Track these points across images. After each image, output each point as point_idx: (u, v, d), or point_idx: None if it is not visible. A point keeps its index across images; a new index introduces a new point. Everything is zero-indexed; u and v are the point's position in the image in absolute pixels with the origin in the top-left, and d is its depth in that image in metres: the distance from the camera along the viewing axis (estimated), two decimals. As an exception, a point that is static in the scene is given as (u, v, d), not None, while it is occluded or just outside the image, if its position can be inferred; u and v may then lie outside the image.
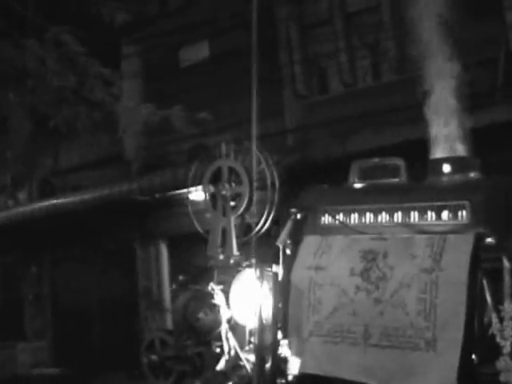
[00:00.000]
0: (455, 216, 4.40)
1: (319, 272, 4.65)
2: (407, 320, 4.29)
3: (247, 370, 5.01)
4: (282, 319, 4.77)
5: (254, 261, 5.18)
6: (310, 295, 4.66)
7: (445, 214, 4.45)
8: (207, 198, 5.59)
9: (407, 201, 4.60)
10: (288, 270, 4.82)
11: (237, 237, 5.38)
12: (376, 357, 4.38)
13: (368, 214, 4.67)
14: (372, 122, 10.30)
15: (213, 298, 5.17)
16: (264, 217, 5.30)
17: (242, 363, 5.06)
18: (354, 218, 4.72)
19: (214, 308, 5.09)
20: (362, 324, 4.45)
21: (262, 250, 5.32)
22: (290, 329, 4.75)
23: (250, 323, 5.00)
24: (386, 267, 4.42)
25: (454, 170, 4.68)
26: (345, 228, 4.72)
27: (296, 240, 4.87)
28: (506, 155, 7.86)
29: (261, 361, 4.77)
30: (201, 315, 5.06)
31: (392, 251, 4.44)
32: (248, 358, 5.02)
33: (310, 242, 4.80)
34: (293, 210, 4.86)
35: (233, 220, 5.40)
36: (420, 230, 4.49)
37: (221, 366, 5.14)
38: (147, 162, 12.25)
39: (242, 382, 5.04)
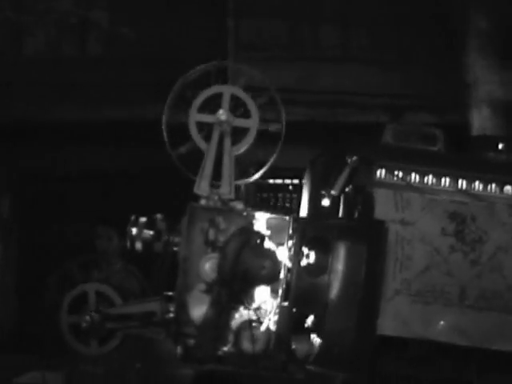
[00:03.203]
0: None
1: (406, 227, 4.09)
2: (504, 283, 4.11)
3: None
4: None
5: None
6: (398, 250, 4.05)
7: (507, 188, 4.41)
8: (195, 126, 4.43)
9: (470, 170, 4.43)
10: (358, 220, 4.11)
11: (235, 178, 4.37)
12: (472, 318, 4.06)
13: (440, 177, 4.34)
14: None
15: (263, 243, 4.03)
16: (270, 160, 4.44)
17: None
18: (428, 179, 4.32)
19: (270, 256, 3.96)
20: (457, 285, 4.07)
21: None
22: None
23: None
24: (479, 230, 4.15)
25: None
26: (406, 186, 4.28)
27: (359, 189, 4.20)
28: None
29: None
30: (267, 263, 3.88)
31: (479, 216, 4.20)
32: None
33: (382, 194, 4.20)
34: (353, 158, 4.20)
35: (232, 157, 4.36)
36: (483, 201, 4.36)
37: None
38: None
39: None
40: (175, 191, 10.81)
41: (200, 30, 10.96)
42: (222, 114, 4.39)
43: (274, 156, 4.47)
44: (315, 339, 4.10)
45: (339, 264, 3.96)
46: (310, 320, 4.09)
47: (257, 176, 4.54)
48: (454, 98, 10.68)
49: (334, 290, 3.94)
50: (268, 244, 4.05)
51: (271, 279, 3.94)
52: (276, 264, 3.89)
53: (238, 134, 4.49)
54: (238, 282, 3.87)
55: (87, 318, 4.24)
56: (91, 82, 10.40)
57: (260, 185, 8.95)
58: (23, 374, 9.37)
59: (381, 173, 4.30)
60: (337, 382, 4.28)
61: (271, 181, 9.98)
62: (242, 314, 4.12)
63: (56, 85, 10.39)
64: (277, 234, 4.16)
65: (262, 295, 4.15)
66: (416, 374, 4.18)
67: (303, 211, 4.46)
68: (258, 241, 3.97)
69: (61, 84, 10.38)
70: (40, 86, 10.42)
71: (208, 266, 4.06)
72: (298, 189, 4.64)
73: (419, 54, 10.95)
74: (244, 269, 3.83)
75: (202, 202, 4.28)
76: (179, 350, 4.18)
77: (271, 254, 3.97)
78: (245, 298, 4.01)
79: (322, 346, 3.93)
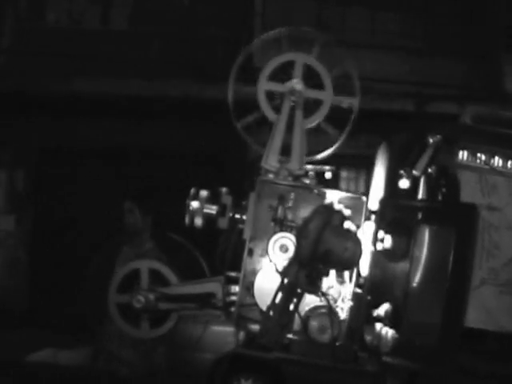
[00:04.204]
0: None
1: (493, 213, 3.72)
2: None
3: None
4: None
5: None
6: (484, 237, 3.67)
7: None
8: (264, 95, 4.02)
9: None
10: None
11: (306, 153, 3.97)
12: None
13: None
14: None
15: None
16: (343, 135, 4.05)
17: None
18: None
19: (352, 237, 3.55)
20: (550, 275, 3.71)
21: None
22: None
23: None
24: None
25: None
26: (490, 170, 3.90)
27: (442, 170, 3.81)
28: None
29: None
30: (349, 245, 3.46)
31: None
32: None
33: (467, 177, 3.83)
34: (437, 137, 3.80)
35: (304, 130, 3.96)
36: None
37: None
38: None
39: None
40: (195, 169, 10.59)
41: (226, 8, 10.55)
42: (297, 83, 3.99)
43: (346, 132, 4.09)
44: (384, 329, 3.73)
45: (423, 249, 3.57)
46: (381, 309, 3.72)
47: (325, 154, 4.15)
48: (481, 88, 10.34)
49: (417, 278, 3.56)
50: (348, 224, 3.66)
51: (353, 263, 3.52)
52: (358, 246, 3.48)
53: (308, 107, 4.10)
54: (317, 264, 3.47)
55: (140, 297, 3.83)
56: (114, 56, 9.98)
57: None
58: (35, 351, 9.03)
59: (463, 154, 3.93)
60: (404, 373, 3.93)
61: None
62: (311, 300, 3.73)
63: (77, 57, 9.97)
64: (351, 214, 3.77)
65: (329, 280, 3.77)
66: (493, 369, 3.82)
67: (375, 192, 4.06)
68: (339, 221, 3.57)
69: (82, 56, 9.95)
70: (61, 57, 10.00)
71: (278, 246, 3.66)
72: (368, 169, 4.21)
73: (447, 42, 10.59)
74: (325, 249, 3.41)
75: (270, 176, 3.87)
76: (241, 335, 3.79)
77: (353, 236, 3.56)
78: (320, 282, 3.62)
79: (401, 337, 3.55)
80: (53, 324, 9.87)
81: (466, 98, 9.61)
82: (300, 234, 3.48)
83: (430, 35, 10.76)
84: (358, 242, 3.51)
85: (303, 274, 3.45)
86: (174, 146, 10.22)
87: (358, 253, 3.50)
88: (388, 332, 3.71)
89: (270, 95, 4.07)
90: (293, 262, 3.50)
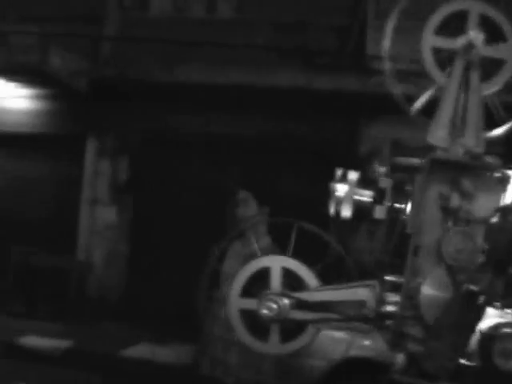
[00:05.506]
0: None
1: None
2: None
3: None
4: None
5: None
6: None
7: None
8: (430, 54, 3.05)
9: None
10: None
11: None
12: None
13: None
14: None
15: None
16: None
17: None
18: None
19: None
20: None
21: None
22: None
23: None
24: None
25: None
26: None
27: None
28: None
29: None
30: None
31: None
32: None
33: None
34: None
35: (481, 97, 2.97)
36: None
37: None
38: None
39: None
40: (298, 162, 9.70)
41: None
42: (474, 37, 2.98)
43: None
44: None
45: None
46: None
47: (502, 130, 3.13)
48: None
49: None
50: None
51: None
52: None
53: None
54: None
55: (271, 304, 2.90)
56: (219, 44, 9.18)
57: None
58: (131, 345, 8.34)
59: None
60: None
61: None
62: (491, 315, 2.73)
63: (181, 45, 9.23)
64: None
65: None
66: None
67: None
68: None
69: (186, 44, 9.21)
70: (165, 45, 9.30)
71: (454, 244, 2.68)
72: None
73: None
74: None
75: (440, 154, 2.88)
76: (400, 358, 2.82)
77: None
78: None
79: None
80: (149, 318, 9.19)
81: None
82: (495, 229, 2.48)
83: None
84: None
85: (499, 282, 2.45)
86: (278, 137, 9.33)
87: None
88: None
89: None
90: (485, 265, 2.50)
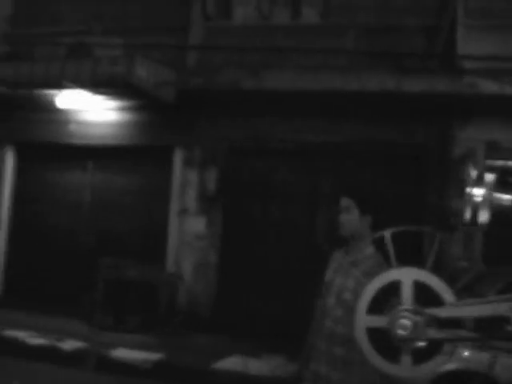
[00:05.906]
0: None
1: None
2: None
3: None
4: None
5: None
6: None
7: None
8: None
9: None
10: None
11: None
12: None
13: None
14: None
15: None
16: None
17: None
18: None
19: None
20: None
21: None
22: None
23: None
24: None
25: None
26: None
27: None
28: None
29: None
30: None
31: None
32: None
33: None
34: None
35: None
36: None
37: None
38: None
39: None
40: (390, 167, 9.34)
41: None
42: None
43: None
44: None
45: None
46: None
47: None
48: None
49: None
50: None
51: None
52: None
53: None
54: None
55: (405, 321, 2.61)
56: (304, 50, 8.97)
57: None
58: (222, 357, 8.15)
59: None
60: None
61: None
62: None
63: (266, 52, 9.07)
64: None
65: None
66: None
67: None
68: None
69: (271, 52, 9.04)
70: (250, 53, 9.14)
71: None
72: None
73: None
74: None
75: None
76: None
77: None
78: None
79: None
80: (240, 330, 8.99)
81: None
82: None
83: None
84: None
85: None
86: (368, 142, 9.02)
87: None
88: None
89: None
90: None
